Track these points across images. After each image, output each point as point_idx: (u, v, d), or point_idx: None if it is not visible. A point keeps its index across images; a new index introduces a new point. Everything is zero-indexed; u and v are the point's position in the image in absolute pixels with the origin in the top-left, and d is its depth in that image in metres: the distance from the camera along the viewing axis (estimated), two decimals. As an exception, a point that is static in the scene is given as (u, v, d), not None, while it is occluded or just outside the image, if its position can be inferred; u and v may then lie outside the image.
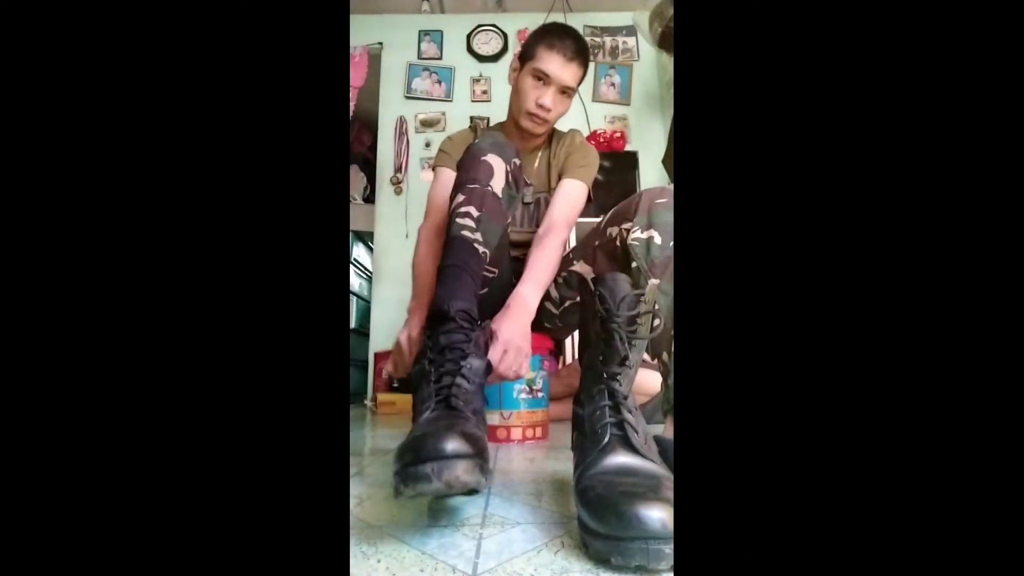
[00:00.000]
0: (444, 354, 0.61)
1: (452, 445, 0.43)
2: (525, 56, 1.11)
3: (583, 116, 2.50)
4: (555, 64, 1.07)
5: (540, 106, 1.08)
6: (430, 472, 0.41)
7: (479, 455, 0.45)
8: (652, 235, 0.79)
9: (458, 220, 0.77)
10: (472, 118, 1.24)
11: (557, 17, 2.61)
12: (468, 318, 0.65)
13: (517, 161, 0.87)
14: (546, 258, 0.96)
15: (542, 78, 1.08)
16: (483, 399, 0.63)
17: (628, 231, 0.83)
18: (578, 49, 1.09)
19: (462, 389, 0.56)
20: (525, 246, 1.16)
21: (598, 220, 1.01)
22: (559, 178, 1.14)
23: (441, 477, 0.41)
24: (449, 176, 1.08)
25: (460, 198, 0.79)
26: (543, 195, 1.17)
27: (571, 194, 1.10)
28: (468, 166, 0.83)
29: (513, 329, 0.78)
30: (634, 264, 0.80)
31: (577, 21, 2.65)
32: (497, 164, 0.83)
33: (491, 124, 1.29)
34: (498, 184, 0.82)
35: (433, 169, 1.16)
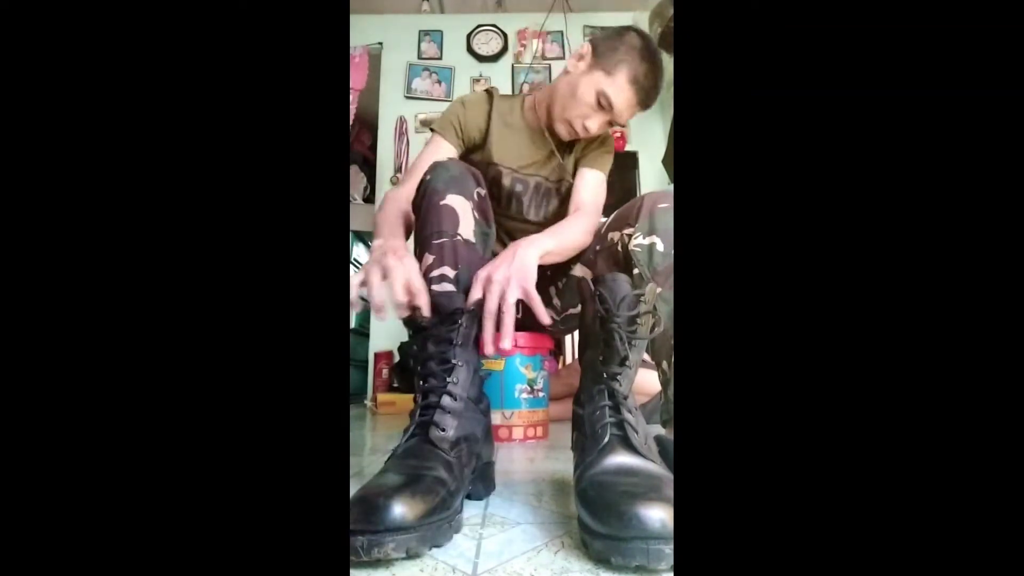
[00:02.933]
0: (428, 365, 0.58)
1: (393, 514, 0.41)
2: (600, 54, 0.96)
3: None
4: (624, 98, 0.94)
5: (584, 128, 0.97)
6: (359, 547, 0.40)
7: (424, 521, 0.42)
8: (654, 241, 0.76)
9: (435, 288, 0.67)
10: (488, 91, 1.09)
11: (557, 17, 2.61)
12: (451, 318, 0.60)
13: (482, 191, 0.77)
14: (574, 227, 0.89)
15: (603, 102, 0.95)
16: (480, 412, 0.60)
17: (630, 237, 0.79)
18: (650, 92, 0.95)
19: (446, 413, 0.55)
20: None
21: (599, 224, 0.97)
22: (575, 165, 1.05)
23: (371, 553, 0.40)
24: (445, 149, 0.99)
25: (429, 258, 0.70)
26: (555, 185, 1.08)
27: (595, 183, 1.02)
28: (427, 214, 0.72)
29: (498, 266, 0.67)
30: (636, 271, 0.77)
31: (577, 21, 2.65)
32: (461, 206, 0.72)
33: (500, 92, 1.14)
34: (467, 229, 0.72)
35: (431, 130, 1.03)
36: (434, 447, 0.52)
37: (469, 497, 0.60)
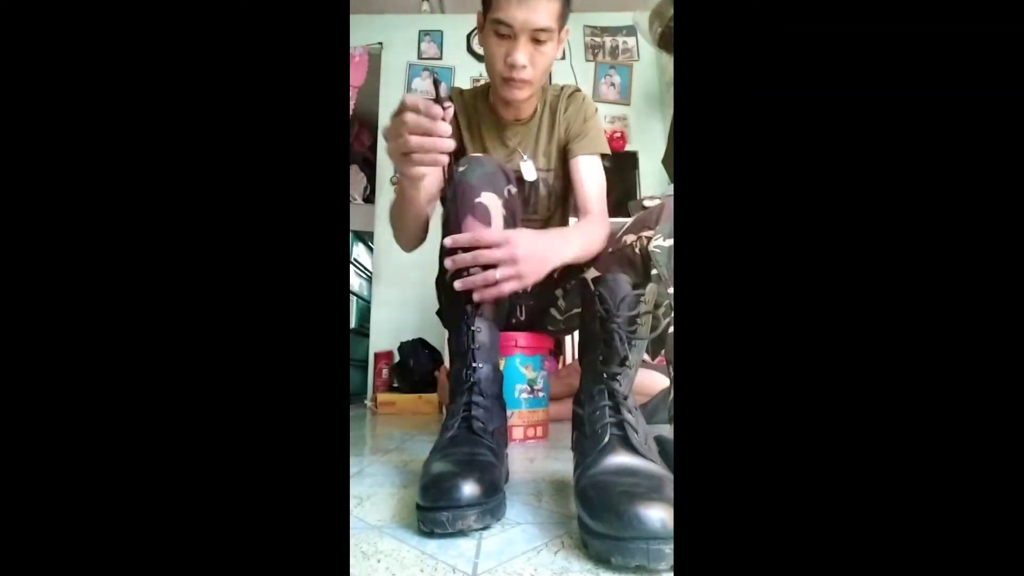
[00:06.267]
0: (455, 366, 0.66)
1: (468, 492, 0.48)
2: (485, 5, 0.89)
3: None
4: (514, 5, 0.83)
5: (511, 65, 0.88)
6: (445, 520, 0.47)
7: (491, 498, 0.50)
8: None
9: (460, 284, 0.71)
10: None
11: (557, 17, 2.60)
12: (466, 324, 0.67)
13: (512, 189, 0.78)
14: (594, 235, 0.88)
15: (505, 33, 0.86)
16: (501, 407, 0.67)
17: (649, 239, 0.80)
18: None
19: (480, 408, 0.63)
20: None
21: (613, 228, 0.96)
22: (563, 151, 1.01)
23: (455, 525, 0.47)
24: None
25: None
26: (548, 174, 1.04)
27: (592, 174, 0.97)
28: (460, 210, 0.73)
29: (528, 242, 0.70)
30: (654, 271, 0.78)
31: (577, 21, 2.65)
32: (493, 203, 0.74)
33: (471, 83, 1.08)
34: (497, 227, 0.74)
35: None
36: (479, 437, 0.60)
37: None
